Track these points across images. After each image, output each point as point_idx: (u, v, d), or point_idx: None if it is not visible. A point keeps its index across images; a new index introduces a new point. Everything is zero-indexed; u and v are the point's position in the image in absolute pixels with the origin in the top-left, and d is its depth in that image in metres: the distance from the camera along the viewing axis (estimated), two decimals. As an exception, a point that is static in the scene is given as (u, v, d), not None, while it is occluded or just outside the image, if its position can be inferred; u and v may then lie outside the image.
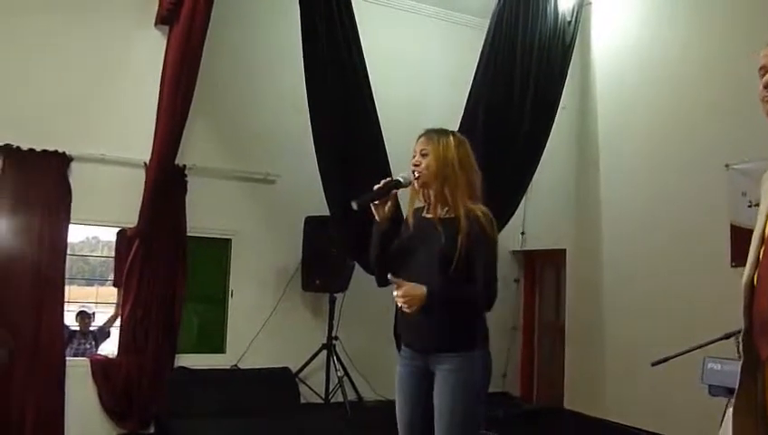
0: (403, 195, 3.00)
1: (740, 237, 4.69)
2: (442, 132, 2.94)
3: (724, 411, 3.57)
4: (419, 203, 3.00)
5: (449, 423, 2.74)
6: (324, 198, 5.49)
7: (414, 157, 2.91)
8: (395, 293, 2.69)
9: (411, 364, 2.90)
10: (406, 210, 3.05)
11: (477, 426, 2.82)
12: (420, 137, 2.95)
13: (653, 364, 3.82)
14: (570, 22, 6.25)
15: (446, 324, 2.77)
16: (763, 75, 1.92)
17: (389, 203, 2.91)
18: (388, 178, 2.93)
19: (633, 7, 6.17)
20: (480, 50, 6.06)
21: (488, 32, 6.07)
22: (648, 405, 5.37)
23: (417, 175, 2.88)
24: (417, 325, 2.83)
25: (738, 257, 4.73)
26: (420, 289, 2.66)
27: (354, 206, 2.88)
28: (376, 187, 2.89)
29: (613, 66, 6.28)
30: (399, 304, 2.70)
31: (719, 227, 4.93)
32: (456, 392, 2.74)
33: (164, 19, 5.67)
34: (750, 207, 4.70)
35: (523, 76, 6.01)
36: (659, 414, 5.25)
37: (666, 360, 3.78)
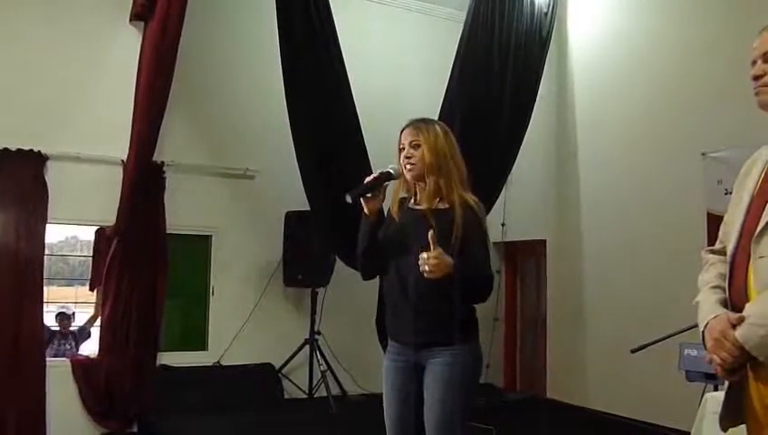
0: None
1: (716, 225, 4.70)
2: (429, 122, 2.90)
3: (702, 396, 3.62)
4: (403, 194, 2.95)
5: (439, 417, 2.71)
6: (304, 193, 5.48)
7: (403, 149, 2.86)
8: (424, 255, 2.56)
9: (400, 359, 2.86)
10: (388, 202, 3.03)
11: (466, 419, 2.80)
12: (406, 127, 2.89)
13: (632, 351, 3.86)
14: (546, 14, 6.28)
15: (438, 318, 2.73)
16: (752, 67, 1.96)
17: (380, 196, 2.86)
18: (379, 171, 2.88)
19: (608, -2, 6.22)
20: (458, 42, 6.07)
21: (465, 24, 6.08)
22: (629, 392, 5.43)
23: (409, 167, 2.83)
24: (407, 319, 2.79)
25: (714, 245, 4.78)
26: (449, 259, 2.57)
27: (348, 199, 2.82)
28: (368, 179, 2.83)
29: (590, 57, 6.33)
30: (424, 267, 2.56)
31: (696, 215, 4.99)
32: (447, 387, 2.71)
33: (139, 15, 5.62)
34: (726, 194, 4.75)
35: (501, 68, 6.03)
36: (639, 401, 5.30)
37: (644, 347, 3.81)
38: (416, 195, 2.90)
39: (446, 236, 2.69)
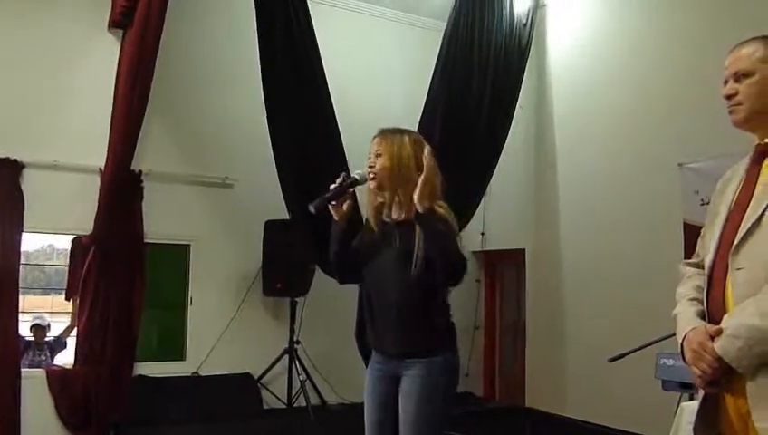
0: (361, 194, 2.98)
1: (693, 235, 4.72)
2: (396, 131, 2.87)
3: (678, 405, 3.65)
4: (381, 199, 2.93)
5: (413, 428, 2.71)
6: (283, 202, 5.47)
7: (369, 158, 2.85)
8: None
9: (381, 368, 2.86)
10: (364, 210, 3.02)
11: (442, 430, 2.79)
12: (374, 137, 2.87)
13: (609, 360, 3.89)
14: (525, 24, 6.33)
15: (414, 329, 2.74)
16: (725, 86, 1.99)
17: (348, 201, 2.84)
18: (342, 176, 2.85)
19: (587, 10, 6.27)
20: (437, 52, 6.10)
21: (445, 34, 6.12)
22: (607, 401, 5.46)
23: (372, 176, 2.81)
24: (385, 331, 2.80)
25: (691, 255, 4.82)
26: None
27: (311, 209, 2.82)
28: (332, 186, 2.82)
29: (568, 68, 6.38)
30: None
31: (673, 226, 5.03)
32: (421, 397, 2.71)
33: (117, 23, 5.59)
34: (703, 205, 4.80)
35: (481, 78, 6.07)
36: (617, 409, 5.33)
37: (621, 356, 3.84)
38: (386, 205, 2.89)
39: (410, 249, 2.68)
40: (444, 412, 2.77)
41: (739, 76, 1.96)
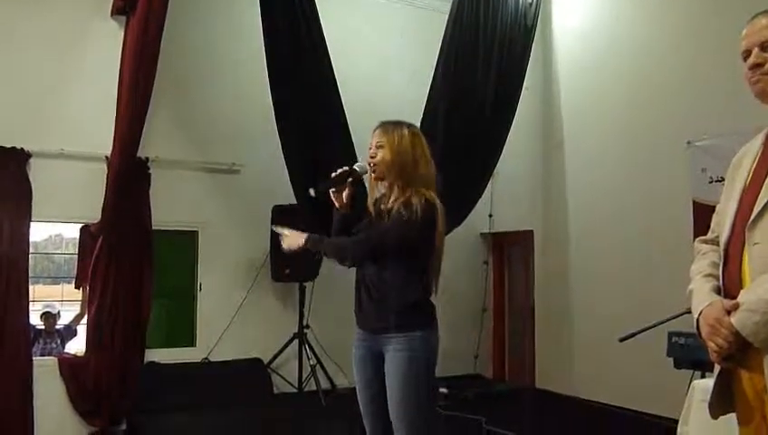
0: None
1: (702, 213, 4.77)
2: (397, 124, 3.01)
3: (689, 384, 3.65)
4: (378, 193, 3.09)
5: (400, 402, 2.84)
6: (291, 187, 5.46)
7: (370, 149, 2.99)
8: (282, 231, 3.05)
9: (363, 345, 3.02)
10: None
11: (429, 403, 2.92)
12: (375, 129, 3.01)
13: (620, 340, 3.87)
14: (531, 3, 6.27)
15: (390, 306, 2.88)
16: (746, 58, 1.95)
17: (347, 191, 3.02)
18: (344, 168, 3.03)
19: (592, -13, 6.22)
20: (442, 33, 6.06)
21: (450, 15, 6.07)
22: (617, 381, 5.46)
23: (372, 166, 2.96)
24: (365, 307, 2.98)
25: (700, 233, 4.79)
26: (301, 237, 2.98)
27: (312, 193, 3.05)
28: (333, 175, 3.00)
29: (574, 48, 6.34)
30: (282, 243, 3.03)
31: (681, 204, 5.02)
32: (404, 372, 2.84)
33: (120, 9, 5.56)
34: (711, 183, 4.78)
35: (486, 59, 6.02)
36: (628, 389, 5.34)
37: (632, 335, 3.83)
38: (385, 195, 3.04)
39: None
40: (428, 386, 2.89)
41: (766, 46, 1.93)
